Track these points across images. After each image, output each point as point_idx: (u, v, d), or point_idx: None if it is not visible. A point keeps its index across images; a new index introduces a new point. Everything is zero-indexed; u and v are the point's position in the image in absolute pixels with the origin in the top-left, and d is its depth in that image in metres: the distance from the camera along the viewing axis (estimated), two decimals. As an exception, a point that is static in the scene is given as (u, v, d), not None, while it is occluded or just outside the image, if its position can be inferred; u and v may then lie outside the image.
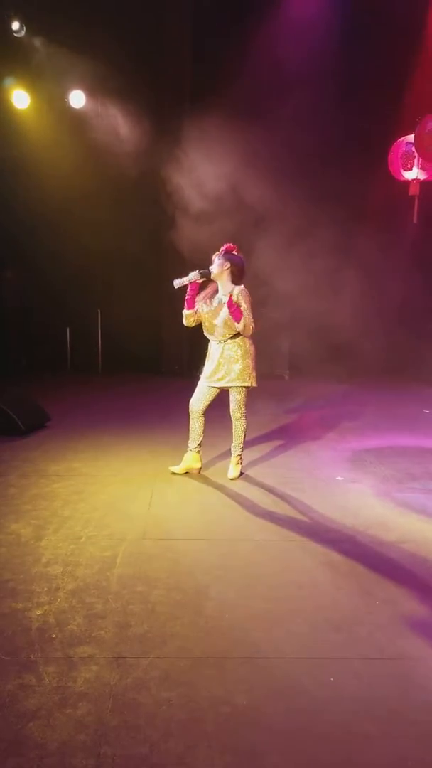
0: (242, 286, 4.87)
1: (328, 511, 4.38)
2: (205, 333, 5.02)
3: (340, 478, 5.14)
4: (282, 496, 4.68)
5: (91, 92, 9.30)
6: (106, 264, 10.21)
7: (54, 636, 2.78)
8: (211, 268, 4.87)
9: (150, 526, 4.05)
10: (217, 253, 4.92)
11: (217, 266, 4.86)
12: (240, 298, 4.76)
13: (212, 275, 4.89)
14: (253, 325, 4.78)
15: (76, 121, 9.36)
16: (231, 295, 4.73)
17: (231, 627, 2.89)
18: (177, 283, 4.89)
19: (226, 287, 4.88)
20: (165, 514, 4.29)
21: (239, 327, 4.76)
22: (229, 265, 4.85)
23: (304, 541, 3.86)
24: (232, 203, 7.50)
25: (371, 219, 9.35)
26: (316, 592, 3.22)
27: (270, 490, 4.83)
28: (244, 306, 4.75)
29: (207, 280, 4.94)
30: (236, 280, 4.90)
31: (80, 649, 2.68)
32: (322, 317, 8.69)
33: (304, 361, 9.62)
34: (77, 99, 9.27)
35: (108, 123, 9.16)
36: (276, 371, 10.04)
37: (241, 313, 4.72)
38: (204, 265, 4.94)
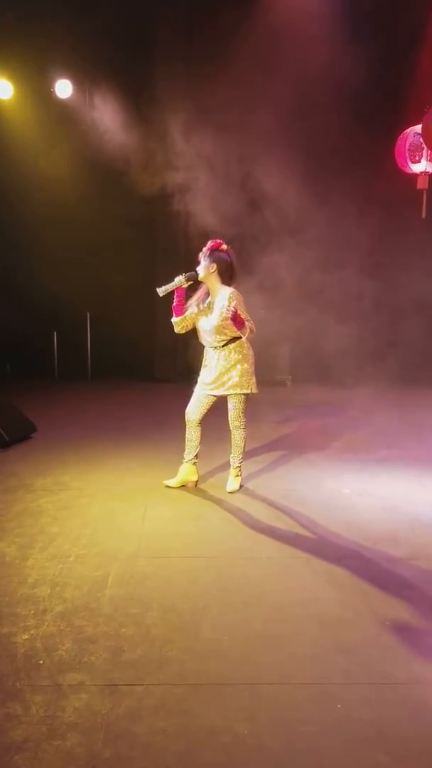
0: (233, 288, 4.81)
1: (333, 525, 4.39)
2: (200, 339, 5.03)
3: (346, 491, 5.15)
4: (284, 510, 4.68)
5: (78, 82, 9.34)
6: (96, 263, 10.23)
7: (41, 662, 2.77)
8: (198, 269, 4.87)
9: (144, 543, 4.04)
10: (202, 252, 4.88)
11: (203, 268, 4.84)
12: (234, 305, 4.67)
13: (200, 278, 4.88)
14: (254, 327, 4.78)
15: (63, 112, 9.41)
16: (233, 311, 4.59)
17: (230, 651, 2.88)
18: (161, 290, 4.89)
19: (216, 289, 4.86)
20: (159, 530, 4.28)
21: (244, 335, 4.75)
22: (215, 266, 4.81)
23: (308, 558, 3.86)
24: (231, 196, 7.53)
25: (376, 214, 9.39)
26: (322, 612, 3.22)
27: (271, 503, 4.83)
28: (243, 314, 4.71)
29: (195, 283, 4.93)
30: (226, 280, 4.87)
31: (69, 676, 2.68)
32: (325, 319, 8.72)
33: (307, 367, 9.65)
34: (63, 89, 9.31)
35: (96, 114, 9.21)
36: (277, 377, 10.06)
37: (243, 322, 4.67)
38: (198, 262, 4.93)
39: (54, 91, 9.33)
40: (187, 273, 4.87)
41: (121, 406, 8.74)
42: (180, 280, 4.85)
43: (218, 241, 4.89)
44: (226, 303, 4.72)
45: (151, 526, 4.35)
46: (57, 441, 6.59)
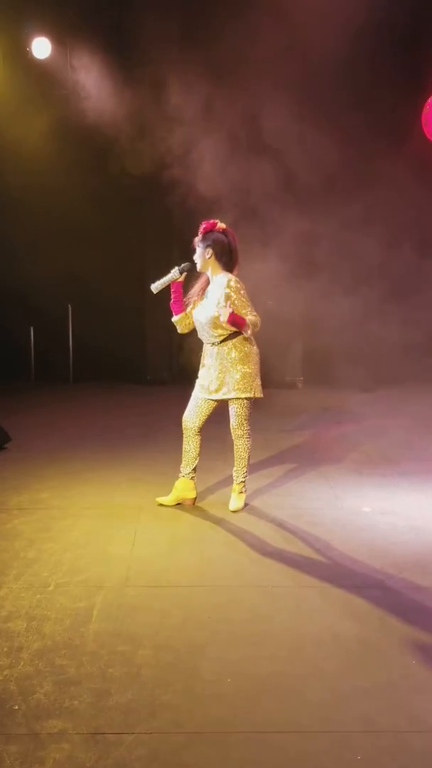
0: (231, 275, 4.79)
1: (352, 549, 4.38)
2: (198, 335, 5.03)
3: (366, 510, 5.15)
4: (296, 532, 4.67)
5: (58, 39, 9.34)
6: (79, 248, 10.24)
7: (17, 707, 2.77)
8: (194, 257, 4.86)
9: (133, 570, 4.04)
10: (197, 237, 4.86)
11: (199, 256, 4.84)
12: (234, 296, 4.66)
13: (199, 268, 4.88)
14: (258, 321, 4.78)
15: (40, 74, 9.41)
16: (230, 316, 4.55)
17: (234, 694, 2.88)
18: (155, 287, 4.92)
19: (216, 276, 4.86)
20: (152, 555, 4.28)
21: (246, 332, 4.74)
22: (211, 251, 4.80)
23: (323, 587, 3.86)
24: (235, 174, 7.52)
25: (401, 190, 9.37)
26: (339, 650, 3.22)
27: (281, 524, 4.83)
28: (244, 305, 4.68)
29: (192, 273, 4.93)
30: (227, 264, 4.85)
31: (49, 723, 2.67)
32: (342, 313, 8.71)
33: (321, 367, 9.64)
34: (41, 48, 9.31)
35: (79, 77, 9.21)
36: (287, 378, 10.07)
37: (243, 321, 4.66)
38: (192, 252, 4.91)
39: (30, 50, 9.33)
40: (182, 264, 4.88)
41: (107, 412, 8.74)
42: (175, 273, 4.87)
43: (212, 221, 4.86)
44: (222, 298, 4.71)
45: (142, 550, 4.34)
46: (34, 452, 6.59)
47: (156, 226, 10.41)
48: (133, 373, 10.58)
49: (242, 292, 4.76)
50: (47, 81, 9.40)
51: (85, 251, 10.22)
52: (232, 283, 4.75)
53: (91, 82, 8.82)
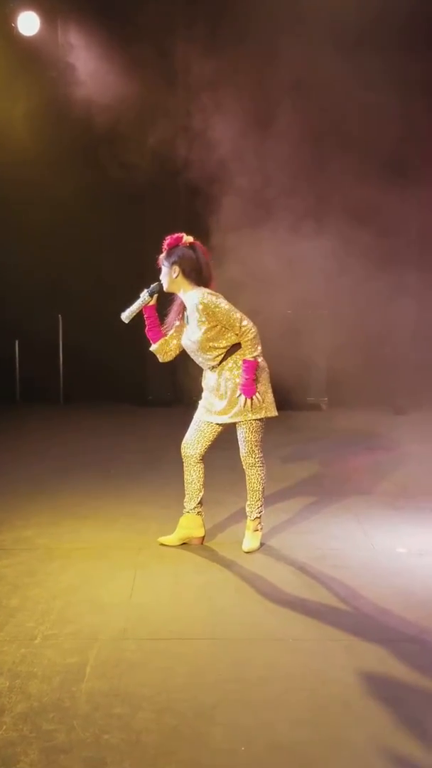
0: (203, 290, 4.80)
1: (384, 597, 4.36)
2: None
3: (401, 550, 5.13)
4: (318, 577, 4.66)
5: (46, 14, 9.45)
6: (69, 251, 10.30)
7: (-3, 780, 2.77)
8: (160, 277, 4.92)
9: (132, 620, 4.03)
10: (161, 254, 4.92)
11: (165, 276, 4.90)
12: (206, 313, 4.70)
13: (165, 288, 4.94)
14: (255, 329, 4.77)
15: (27, 53, 9.52)
16: (244, 389, 4.72)
17: (249, 765, 2.86)
18: (126, 315, 5.00)
19: (188, 295, 4.88)
20: (153, 603, 4.28)
21: (254, 350, 4.75)
22: (177, 268, 4.83)
23: (350, 640, 3.84)
24: (250, 167, 7.56)
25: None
26: (370, 713, 3.20)
27: (301, 567, 4.81)
28: (229, 318, 4.71)
29: (164, 293, 4.97)
30: (197, 280, 4.88)
31: (34, 799, 2.67)
32: (372, 326, 8.71)
33: (348, 386, 9.63)
34: (28, 23, 9.41)
35: (71, 56, 9.31)
36: (310, 399, 10.07)
37: (251, 362, 4.71)
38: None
39: (15, 26, 9.44)
40: (151, 285, 4.97)
41: (102, 437, 8.75)
42: (145, 297, 4.96)
43: (176, 235, 4.90)
44: (197, 315, 4.74)
45: (141, 597, 4.34)
46: (18, 484, 6.60)
47: (158, 225, 10.41)
48: (132, 393, 10.59)
49: (221, 304, 4.75)
50: (35, 61, 9.50)
51: (77, 256, 10.27)
52: (205, 301, 4.74)
53: (85, 63, 8.90)
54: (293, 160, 7.92)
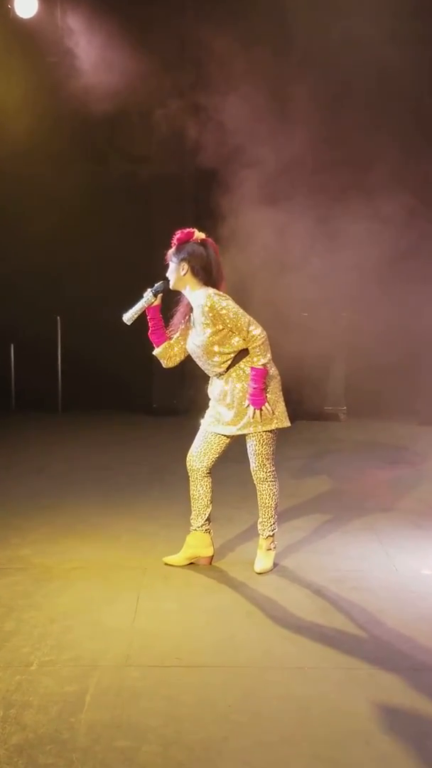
0: (210, 290, 4.80)
1: (408, 623, 4.35)
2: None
3: (426, 573, 5.12)
4: (337, 601, 4.65)
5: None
6: (70, 249, 10.34)
7: None
8: (168, 274, 4.94)
9: (135, 646, 4.03)
10: (170, 249, 4.94)
11: (172, 272, 4.91)
12: (212, 315, 4.70)
13: (171, 286, 4.95)
14: (262, 333, 4.76)
15: (25, 37, 9.57)
16: (253, 400, 4.73)
17: (261, 804, 2.86)
18: (128, 317, 5.01)
19: (195, 294, 4.89)
20: (158, 628, 4.27)
21: (263, 357, 4.75)
22: (186, 265, 4.85)
23: (371, 670, 3.82)
24: (273, 161, 7.56)
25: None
26: (394, 750, 3.18)
27: (318, 590, 4.80)
28: (237, 322, 4.71)
29: (169, 293, 4.98)
30: (206, 279, 4.89)
31: None
32: (393, 331, 8.71)
33: (368, 395, 9.63)
34: (25, 6, 9.46)
35: (72, 40, 9.34)
36: (327, 408, 10.07)
37: (260, 370, 4.71)
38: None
39: (12, 8, 9.48)
40: (156, 285, 4.98)
41: (104, 448, 8.77)
42: (149, 297, 4.97)
43: (188, 230, 4.92)
44: (202, 317, 4.75)
45: (146, 621, 4.33)
46: (13, 499, 6.61)
47: (166, 220, 10.46)
48: (136, 400, 10.62)
49: (228, 306, 4.75)
50: (33, 45, 9.54)
51: (77, 255, 10.30)
52: (211, 301, 4.74)
53: (87, 49, 8.93)
54: (313, 154, 7.94)
